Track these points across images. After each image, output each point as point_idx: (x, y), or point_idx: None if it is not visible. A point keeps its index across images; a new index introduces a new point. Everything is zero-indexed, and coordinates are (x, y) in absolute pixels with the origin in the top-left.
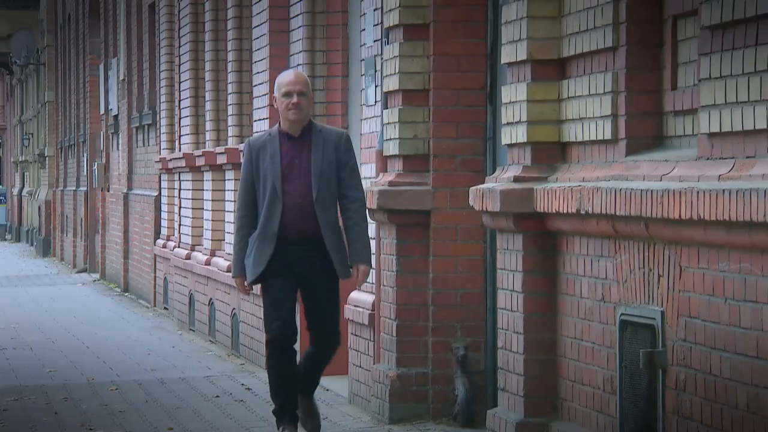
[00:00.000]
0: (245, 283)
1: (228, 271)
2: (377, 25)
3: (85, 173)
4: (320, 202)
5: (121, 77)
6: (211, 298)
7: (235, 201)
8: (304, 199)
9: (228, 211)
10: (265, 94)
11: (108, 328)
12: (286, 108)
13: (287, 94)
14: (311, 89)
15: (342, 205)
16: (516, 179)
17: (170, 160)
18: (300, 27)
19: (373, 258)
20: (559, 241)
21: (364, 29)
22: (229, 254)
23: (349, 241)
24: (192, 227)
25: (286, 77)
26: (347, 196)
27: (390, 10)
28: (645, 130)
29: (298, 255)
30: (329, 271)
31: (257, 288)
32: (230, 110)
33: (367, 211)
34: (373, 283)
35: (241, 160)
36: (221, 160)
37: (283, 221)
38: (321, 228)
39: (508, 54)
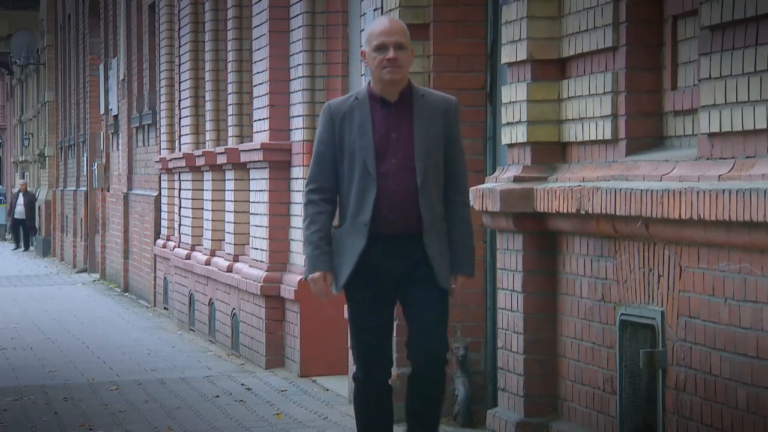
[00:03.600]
0: (331, 287)
1: (228, 270)
2: None
3: (85, 173)
4: (425, 189)
5: (121, 77)
6: (211, 298)
7: (234, 200)
8: (404, 185)
9: (228, 211)
10: (265, 94)
11: (108, 328)
12: (379, 65)
13: (381, 47)
14: (410, 40)
15: (445, 194)
16: (516, 179)
17: (170, 160)
18: (300, 27)
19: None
20: (559, 241)
21: (364, 29)
22: (228, 254)
23: (453, 242)
24: (192, 227)
25: (379, 25)
26: (452, 182)
27: (390, 10)
28: (645, 130)
29: (393, 256)
30: (434, 280)
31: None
32: (230, 110)
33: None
34: None
35: (317, 126)
36: (221, 160)
37: (377, 210)
38: (424, 223)
39: (508, 54)
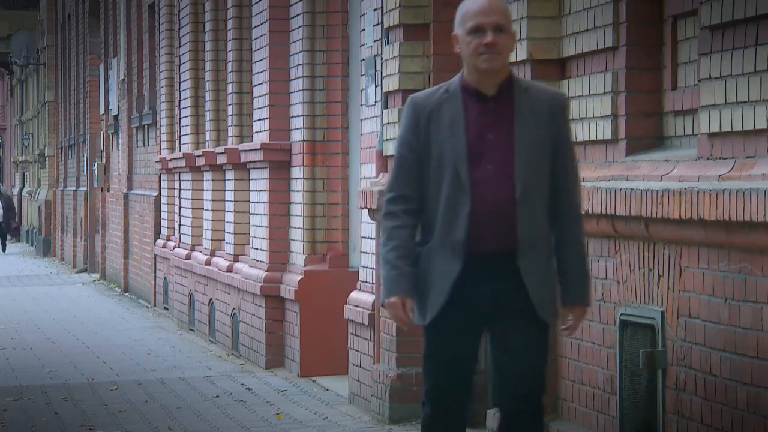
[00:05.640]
0: (410, 312)
1: (229, 270)
2: (377, 25)
3: (85, 173)
4: (526, 200)
5: (121, 77)
6: (211, 298)
7: (234, 200)
8: (501, 195)
9: (228, 211)
10: (265, 94)
11: (108, 328)
12: (474, 52)
13: (476, 30)
14: (511, 22)
15: (554, 206)
16: None
17: (170, 160)
18: (300, 27)
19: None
20: None
21: (364, 29)
22: (228, 254)
23: (563, 265)
24: (192, 227)
25: (474, 4)
26: (563, 193)
27: (390, 10)
28: (645, 130)
29: (487, 279)
30: (531, 309)
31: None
32: (230, 110)
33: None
34: (373, 283)
35: (399, 125)
36: (221, 160)
37: (471, 226)
38: (519, 243)
39: None
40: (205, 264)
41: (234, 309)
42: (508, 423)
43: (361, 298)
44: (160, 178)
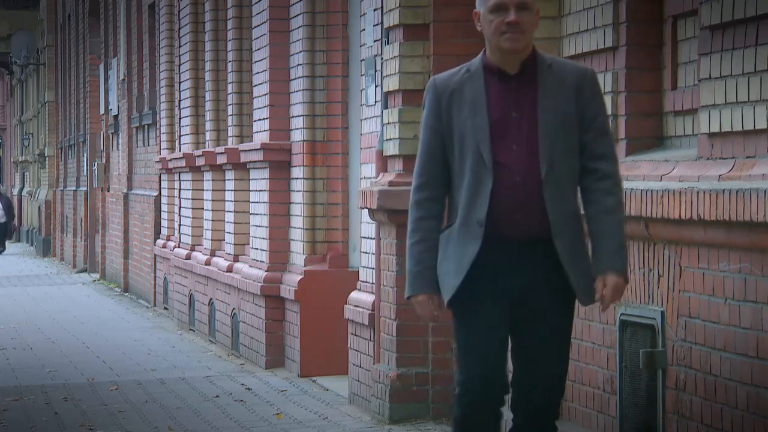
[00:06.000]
0: (436, 304)
1: (229, 270)
2: (377, 25)
3: (85, 173)
4: (552, 181)
5: (121, 77)
6: (211, 298)
7: (234, 200)
8: (527, 176)
9: (228, 211)
10: (265, 94)
11: (108, 328)
12: (496, 31)
13: (498, 8)
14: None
15: (585, 184)
16: None
17: (170, 160)
18: (300, 27)
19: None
20: None
21: (364, 29)
22: (228, 254)
23: (595, 237)
24: (192, 227)
25: None
26: (594, 170)
27: (390, 10)
28: (645, 130)
29: (514, 265)
30: (563, 297)
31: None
32: (230, 110)
33: (623, 194)
34: (373, 283)
35: (423, 109)
36: (221, 160)
37: (493, 208)
38: (552, 224)
39: None
40: (205, 264)
41: (234, 309)
42: (523, 425)
43: (361, 298)
44: (160, 178)
